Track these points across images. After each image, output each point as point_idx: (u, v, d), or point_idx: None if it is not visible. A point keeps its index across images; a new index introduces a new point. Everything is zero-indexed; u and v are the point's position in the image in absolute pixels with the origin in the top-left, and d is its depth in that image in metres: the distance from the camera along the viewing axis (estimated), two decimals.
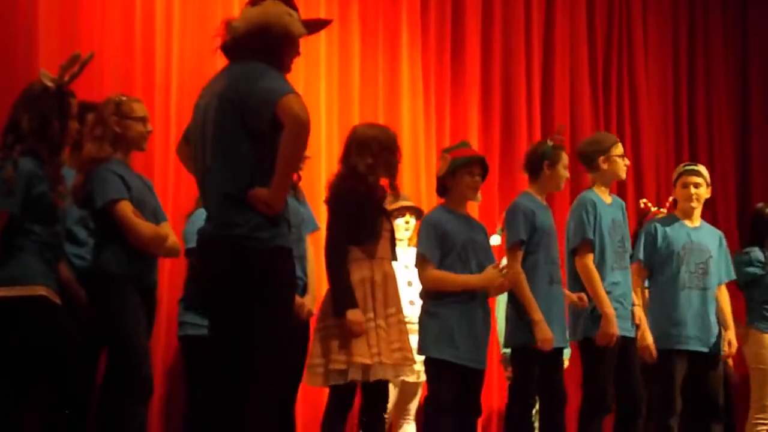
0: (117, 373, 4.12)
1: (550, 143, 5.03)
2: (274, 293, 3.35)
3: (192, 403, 4.95)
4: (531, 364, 4.81)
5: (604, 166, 5.16)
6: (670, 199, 6.02)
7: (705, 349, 5.44)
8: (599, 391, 4.96)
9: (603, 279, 4.99)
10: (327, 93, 6.28)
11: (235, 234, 3.32)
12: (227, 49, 3.49)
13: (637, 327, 5.24)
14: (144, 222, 4.16)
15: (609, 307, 4.92)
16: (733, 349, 5.63)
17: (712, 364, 5.48)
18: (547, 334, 4.74)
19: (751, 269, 6.00)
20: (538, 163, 4.99)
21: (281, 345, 3.37)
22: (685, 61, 8.01)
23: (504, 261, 5.87)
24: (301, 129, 3.29)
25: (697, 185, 5.54)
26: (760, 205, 6.32)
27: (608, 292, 4.97)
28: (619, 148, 5.23)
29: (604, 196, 5.20)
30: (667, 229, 5.52)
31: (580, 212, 5.08)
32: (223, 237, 3.36)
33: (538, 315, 4.75)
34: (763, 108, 8.23)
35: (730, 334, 5.60)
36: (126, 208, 4.11)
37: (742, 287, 6.07)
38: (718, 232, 5.72)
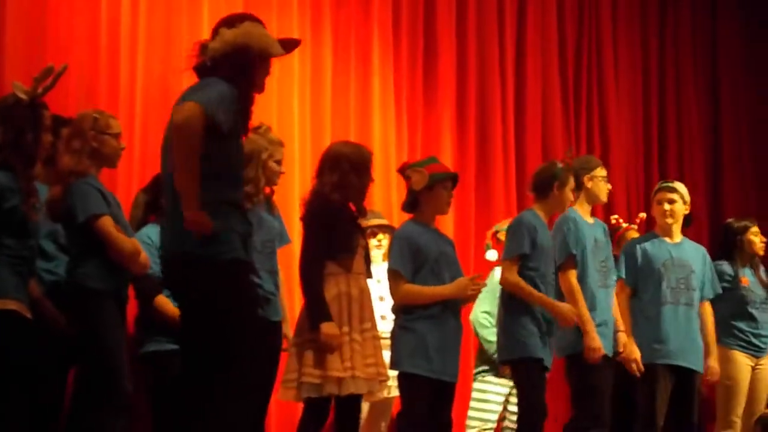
0: (97, 389, 4.09)
1: (560, 165, 5.10)
2: (219, 308, 3.31)
3: (155, 421, 4.91)
4: (535, 374, 4.84)
5: (588, 185, 5.27)
6: (642, 215, 6.07)
7: (688, 365, 5.44)
8: (595, 407, 5.02)
9: (585, 298, 5.05)
10: (300, 108, 6.28)
11: (179, 250, 3.32)
12: (200, 69, 3.50)
13: (620, 352, 5.32)
14: (125, 237, 4.16)
15: (590, 323, 4.98)
16: (714, 377, 5.67)
17: (694, 381, 5.48)
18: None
19: (720, 284, 6.04)
20: (548, 184, 5.05)
21: (235, 360, 3.32)
22: (655, 77, 8.07)
23: (492, 275, 5.96)
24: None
25: (671, 201, 5.57)
26: (730, 220, 6.39)
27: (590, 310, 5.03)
28: (603, 171, 5.38)
29: (585, 216, 5.28)
30: (647, 246, 5.56)
31: (563, 229, 5.15)
32: (170, 252, 3.37)
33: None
34: (733, 122, 8.30)
35: (712, 361, 5.63)
36: (108, 223, 4.11)
37: (713, 302, 6.11)
38: (702, 249, 5.76)
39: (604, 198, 5.41)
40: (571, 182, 5.09)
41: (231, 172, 3.37)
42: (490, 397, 6.06)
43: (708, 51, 8.39)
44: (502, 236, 6.09)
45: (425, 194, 4.75)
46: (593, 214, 5.56)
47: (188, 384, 3.33)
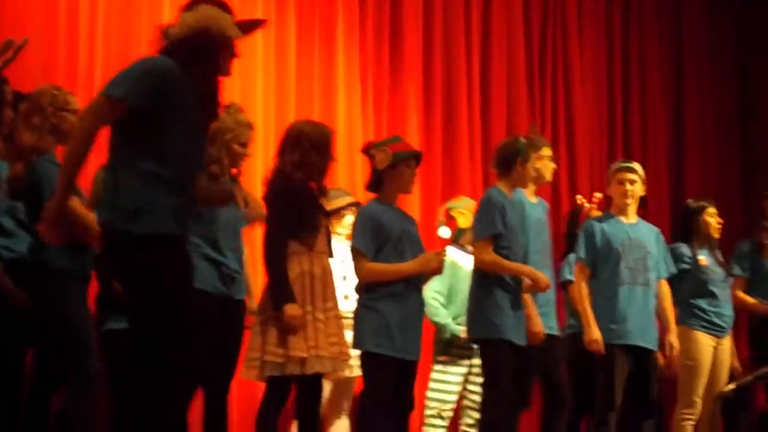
0: (65, 370, 4.05)
1: (523, 140, 5.08)
2: (143, 283, 3.23)
3: (115, 399, 4.89)
4: (503, 355, 4.84)
5: (536, 164, 5.28)
6: (598, 195, 6.08)
7: (646, 345, 5.49)
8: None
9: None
10: (263, 89, 6.25)
11: (106, 221, 3.28)
12: (164, 54, 3.46)
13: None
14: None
15: (532, 307, 5.00)
16: (675, 352, 5.69)
17: (651, 360, 5.56)
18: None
19: (680, 265, 6.09)
20: (511, 160, 5.01)
21: (163, 336, 3.23)
22: (619, 58, 8.09)
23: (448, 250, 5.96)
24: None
25: (632, 182, 5.60)
26: (689, 201, 6.42)
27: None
28: (549, 150, 5.42)
29: (529, 195, 5.29)
30: (605, 226, 5.57)
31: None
32: (100, 223, 3.34)
33: (526, 268, 4.92)
34: (696, 104, 8.34)
35: (672, 337, 5.66)
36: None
37: (673, 283, 6.15)
38: (655, 229, 5.77)
39: (549, 177, 5.45)
40: (533, 158, 5.08)
41: (164, 147, 3.27)
42: (449, 378, 6.05)
43: (673, 33, 8.43)
44: (454, 213, 6.12)
45: (389, 173, 4.73)
46: (554, 189, 5.58)
47: (132, 363, 3.27)
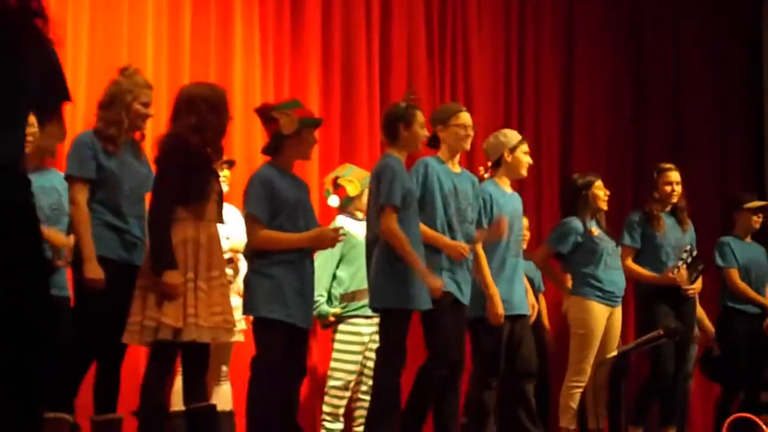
0: None
1: (403, 104, 5.07)
2: None
3: None
4: (406, 324, 4.88)
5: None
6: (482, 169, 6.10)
7: (524, 312, 5.68)
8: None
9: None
10: (155, 50, 6.11)
11: None
12: None
13: None
14: None
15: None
16: (534, 312, 6.08)
17: (528, 326, 5.77)
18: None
19: (573, 238, 6.18)
20: (394, 125, 5.02)
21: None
22: (516, 27, 8.09)
23: (335, 222, 5.94)
24: None
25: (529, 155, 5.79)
26: (574, 176, 6.50)
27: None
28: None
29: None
30: (498, 197, 5.62)
31: (419, 173, 5.18)
32: None
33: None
34: (586, 80, 8.39)
35: (531, 297, 6.02)
36: None
37: (566, 256, 6.24)
38: (519, 197, 5.88)
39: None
40: (420, 119, 5.05)
41: None
42: (351, 348, 6.09)
43: (566, 6, 8.44)
44: (342, 182, 6.14)
45: (292, 139, 4.68)
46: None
47: None
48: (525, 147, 5.73)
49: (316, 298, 5.76)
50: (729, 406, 6.76)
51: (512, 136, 5.78)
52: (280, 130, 4.67)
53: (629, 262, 6.37)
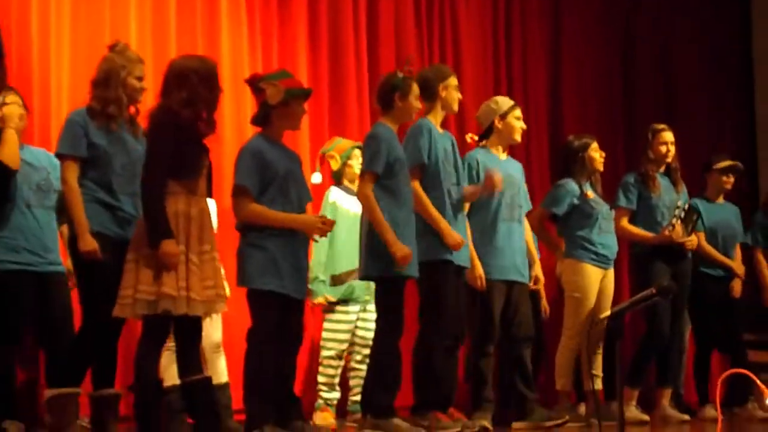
0: None
1: (400, 75, 5.06)
2: None
3: None
4: (400, 290, 4.91)
5: (443, 94, 5.30)
6: (468, 135, 6.08)
7: (521, 279, 5.68)
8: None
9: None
10: (138, 23, 6.07)
11: None
12: None
13: None
14: None
15: (443, 222, 5.06)
16: (540, 285, 6.03)
17: (526, 292, 5.76)
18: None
19: (568, 200, 6.17)
20: (389, 95, 5.02)
21: None
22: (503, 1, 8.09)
23: (329, 195, 5.95)
24: None
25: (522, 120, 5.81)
26: (570, 138, 6.48)
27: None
28: (455, 80, 5.41)
29: (437, 126, 5.31)
30: (487, 162, 5.62)
31: (417, 137, 5.16)
32: None
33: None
34: (573, 43, 8.35)
35: (537, 269, 5.94)
36: None
37: (561, 218, 6.24)
38: (520, 164, 5.91)
39: (455, 107, 5.43)
40: (415, 91, 5.06)
41: None
42: (342, 317, 6.14)
43: None
44: (329, 158, 6.14)
45: (279, 109, 4.66)
46: (444, 125, 5.59)
47: None
48: (517, 112, 5.75)
49: (321, 279, 5.82)
50: (707, 366, 6.81)
51: (503, 102, 5.79)
52: (269, 100, 4.65)
53: (625, 222, 6.36)
